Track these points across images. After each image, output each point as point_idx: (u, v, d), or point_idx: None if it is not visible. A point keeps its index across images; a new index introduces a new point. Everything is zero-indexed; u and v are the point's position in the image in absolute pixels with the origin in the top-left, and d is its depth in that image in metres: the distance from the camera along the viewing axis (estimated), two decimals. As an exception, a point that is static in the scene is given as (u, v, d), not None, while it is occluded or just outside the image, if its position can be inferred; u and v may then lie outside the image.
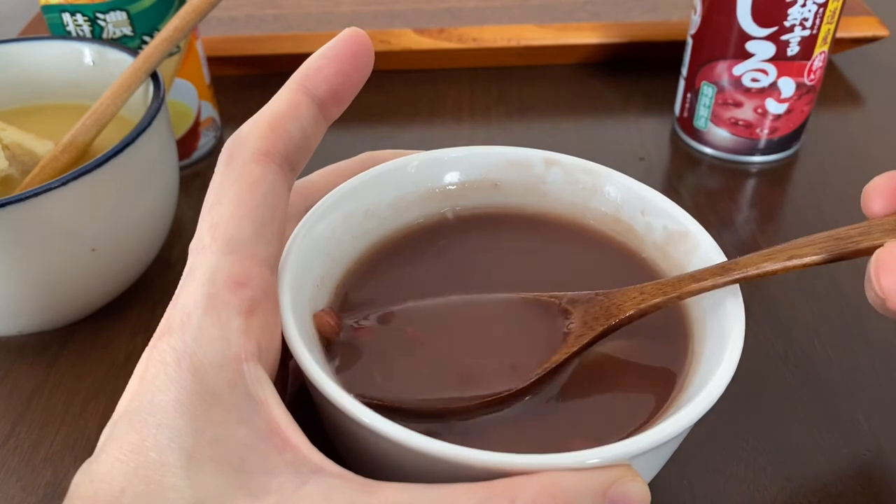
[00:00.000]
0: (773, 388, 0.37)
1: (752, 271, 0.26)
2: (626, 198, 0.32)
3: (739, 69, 0.48)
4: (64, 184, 0.34)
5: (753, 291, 0.42)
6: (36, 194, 0.33)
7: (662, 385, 0.27)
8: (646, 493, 0.22)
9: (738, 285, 0.27)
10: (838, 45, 0.60)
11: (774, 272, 0.26)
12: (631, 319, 0.27)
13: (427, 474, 0.21)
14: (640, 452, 0.22)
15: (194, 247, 0.24)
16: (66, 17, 0.46)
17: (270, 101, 0.25)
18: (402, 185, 0.32)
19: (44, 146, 0.41)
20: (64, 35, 0.46)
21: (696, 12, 0.49)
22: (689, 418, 0.23)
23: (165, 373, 0.21)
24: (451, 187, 0.33)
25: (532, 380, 0.26)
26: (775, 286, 0.42)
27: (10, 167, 0.40)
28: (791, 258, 0.26)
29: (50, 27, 0.47)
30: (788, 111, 0.49)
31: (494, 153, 0.33)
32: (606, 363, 0.28)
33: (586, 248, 0.32)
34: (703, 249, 0.29)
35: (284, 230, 0.26)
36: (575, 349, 0.27)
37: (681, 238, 0.30)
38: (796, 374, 0.38)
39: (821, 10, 0.45)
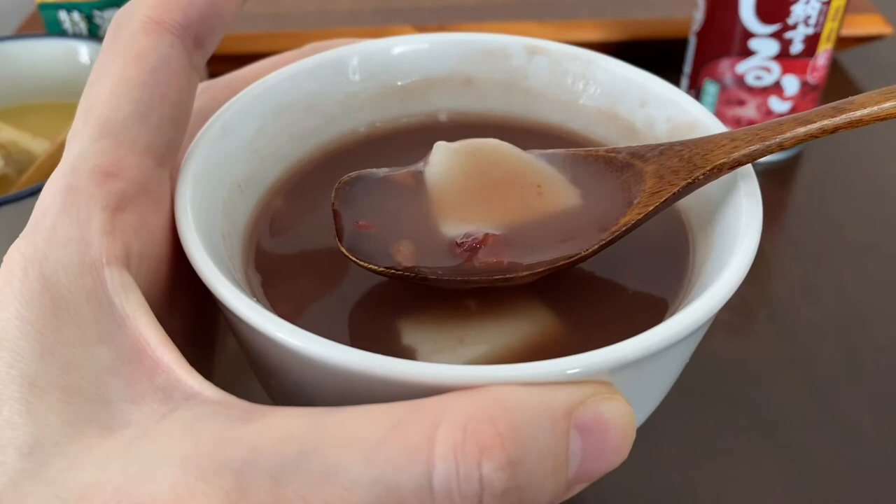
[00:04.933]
0: (777, 390, 0.37)
1: (871, 110, 0.21)
2: (623, 88, 0.27)
3: (742, 67, 0.48)
4: (59, 183, 0.33)
5: (755, 291, 0.41)
6: (32, 193, 0.33)
7: (663, 291, 0.23)
8: (627, 415, 0.17)
9: (751, 168, 0.23)
10: (842, 43, 0.60)
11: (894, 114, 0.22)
12: (720, 171, 0.22)
13: (346, 396, 0.18)
14: (622, 364, 0.17)
15: (68, 136, 0.20)
16: (63, 14, 0.45)
17: None
18: (350, 80, 0.27)
19: (40, 145, 0.40)
20: (60, 33, 0.46)
21: (698, 9, 0.49)
22: (688, 322, 0.18)
23: (9, 284, 0.18)
24: (413, 83, 0.28)
25: (595, 247, 0.22)
26: (778, 286, 0.42)
27: (6, 166, 0.40)
28: None
29: (46, 25, 0.46)
30: (792, 110, 0.49)
31: (465, 41, 0.28)
32: (599, 270, 0.24)
33: (577, 160, 0.25)
34: None
35: (185, 116, 0.22)
36: (651, 208, 0.22)
37: (688, 131, 0.25)
38: (801, 375, 0.38)
39: (825, 7, 0.45)
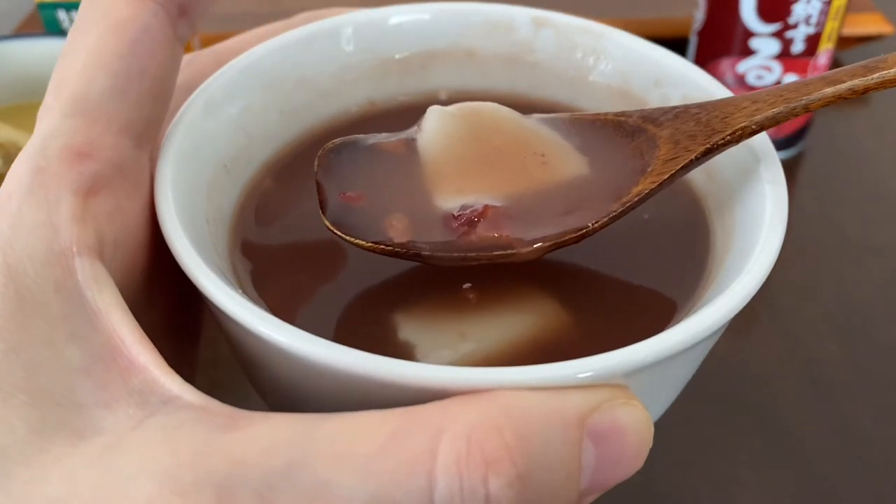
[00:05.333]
0: (778, 390, 0.37)
1: None
2: (636, 65, 0.26)
3: (744, 66, 0.47)
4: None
5: (758, 292, 0.41)
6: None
7: (680, 284, 0.21)
8: (645, 421, 0.16)
9: (775, 152, 0.21)
10: (843, 42, 0.59)
11: None
12: (742, 136, 0.20)
13: (339, 397, 0.16)
14: (639, 366, 0.16)
15: (39, 113, 0.19)
16: (62, 13, 0.45)
17: None
18: (344, 52, 0.26)
19: (38, 145, 0.40)
20: (59, 32, 0.46)
21: (699, 9, 0.49)
22: (710, 321, 0.17)
23: None
24: (412, 56, 0.26)
25: (605, 219, 0.20)
26: (779, 286, 0.42)
27: (5, 166, 0.39)
28: None
29: (45, 24, 0.46)
30: (793, 109, 0.49)
31: (468, 11, 0.26)
32: (610, 259, 0.22)
33: (584, 125, 0.23)
34: None
35: (167, 92, 0.20)
36: (665, 176, 0.20)
37: None
38: (802, 375, 0.37)
39: (825, 6, 0.45)
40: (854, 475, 0.33)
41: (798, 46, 0.46)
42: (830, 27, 0.46)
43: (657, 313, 0.20)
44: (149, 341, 0.17)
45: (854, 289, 0.42)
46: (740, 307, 0.18)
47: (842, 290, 0.42)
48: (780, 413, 0.36)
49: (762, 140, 0.22)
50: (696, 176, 0.24)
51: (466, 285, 0.21)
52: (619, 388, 0.16)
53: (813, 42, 0.46)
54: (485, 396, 0.15)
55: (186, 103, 0.22)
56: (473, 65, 0.27)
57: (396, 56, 0.26)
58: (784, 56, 0.46)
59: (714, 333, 0.17)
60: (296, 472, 0.14)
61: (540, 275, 0.21)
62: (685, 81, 0.25)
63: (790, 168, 0.51)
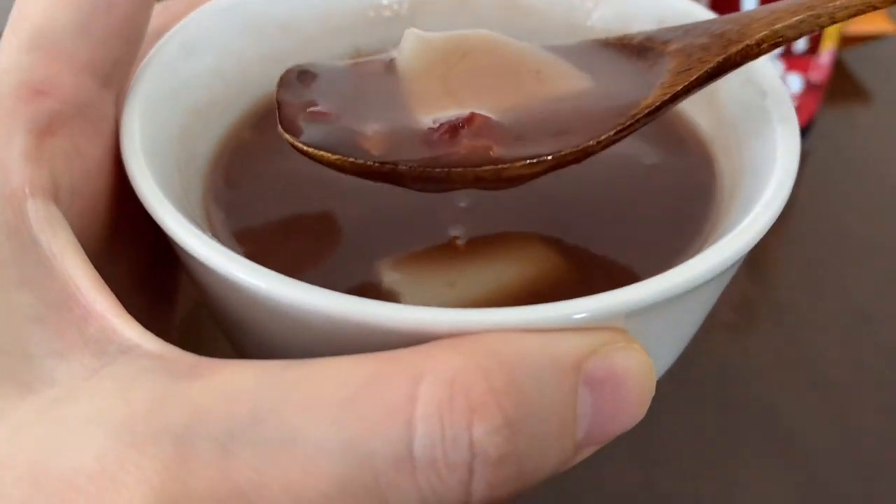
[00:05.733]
0: (780, 391, 0.37)
1: None
2: (637, 6, 0.24)
3: (745, 65, 0.47)
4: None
5: (757, 291, 0.41)
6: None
7: (684, 228, 0.20)
8: (646, 367, 0.15)
9: (787, 93, 0.20)
10: (846, 41, 0.59)
11: None
12: (760, 48, 0.18)
13: (314, 346, 0.15)
14: (641, 307, 0.15)
15: None
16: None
17: None
18: None
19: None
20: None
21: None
22: (718, 259, 0.16)
23: None
24: (401, 3, 0.26)
25: (612, 132, 0.18)
26: (781, 286, 0.42)
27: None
28: None
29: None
30: (795, 108, 0.49)
31: None
32: (609, 204, 0.21)
33: (584, 48, 0.22)
34: (753, 63, 0.19)
35: (136, 33, 0.19)
36: (679, 87, 0.18)
37: None
38: (804, 376, 0.37)
39: (828, 4, 0.44)
40: (855, 475, 0.33)
41: (800, 45, 0.46)
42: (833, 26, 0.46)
43: (660, 259, 0.19)
44: (107, 288, 0.16)
45: (856, 288, 0.42)
46: (748, 248, 0.16)
47: (844, 289, 0.41)
48: (780, 413, 0.36)
49: (772, 80, 0.21)
50: (703, 120, 0.23)
51: (455, 231, 0.20)
52: (618, 332, 0.14)
53: (815, 40, 0.46)
54: (470, 339, 0.14)
55: (158, 44, 0.21)
56: (466, 11, 0.25)
57: (384, 2, 0.25)
58: (786, 54, 0.46)
59: (720, 275, 0.16)
60: (261, 422, 0.13)
61: (536, 219, 0.20)
62: (690, 20, 0.23)
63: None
